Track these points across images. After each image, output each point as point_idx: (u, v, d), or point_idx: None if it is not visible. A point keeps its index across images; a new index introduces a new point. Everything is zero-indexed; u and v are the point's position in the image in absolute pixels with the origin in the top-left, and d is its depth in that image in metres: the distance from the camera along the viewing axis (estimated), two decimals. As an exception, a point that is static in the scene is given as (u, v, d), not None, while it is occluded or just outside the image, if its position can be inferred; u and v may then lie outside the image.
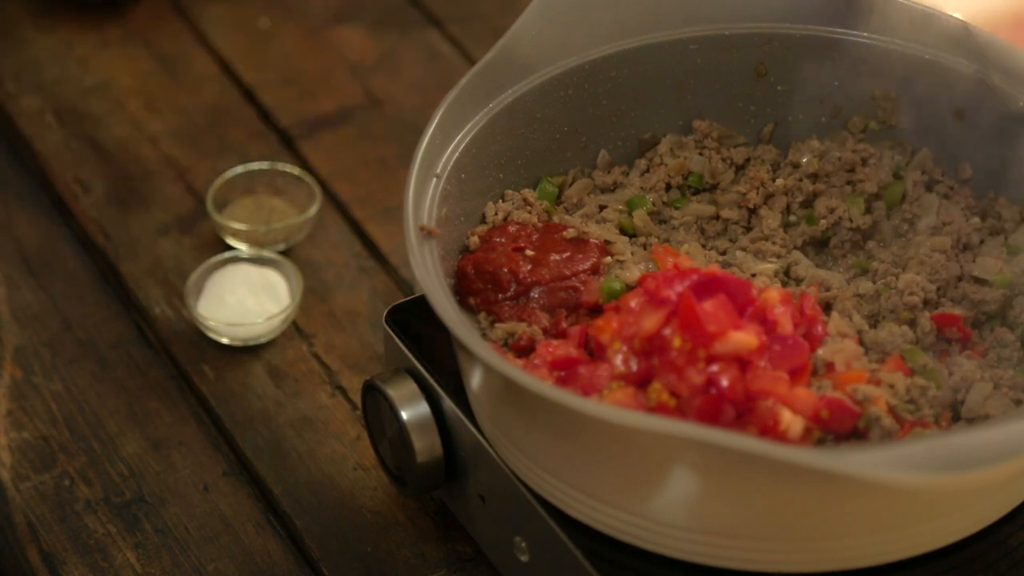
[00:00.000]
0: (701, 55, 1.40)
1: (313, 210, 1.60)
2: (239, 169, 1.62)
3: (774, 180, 1.39)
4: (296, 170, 1.63)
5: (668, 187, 1.40)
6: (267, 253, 1.55)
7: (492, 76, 1.33)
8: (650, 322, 1.20)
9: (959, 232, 1.34)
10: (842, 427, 1.19)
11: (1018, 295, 1.30)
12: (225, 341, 1.51)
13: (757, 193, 1.38)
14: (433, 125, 1.28)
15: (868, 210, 1.37)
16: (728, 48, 1.40)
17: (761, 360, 1.19)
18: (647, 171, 1.41)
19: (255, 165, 1.63)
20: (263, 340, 1.52)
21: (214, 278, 1.53)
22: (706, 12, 1.39)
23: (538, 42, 1.35)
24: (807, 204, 1.38)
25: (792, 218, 1.37)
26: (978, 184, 1.37)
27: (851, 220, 1.36)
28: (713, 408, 1.17)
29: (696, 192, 1.40)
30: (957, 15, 1.37)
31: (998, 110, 1.33)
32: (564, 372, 1.22)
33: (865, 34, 1.38)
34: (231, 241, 1.60)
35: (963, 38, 1.35)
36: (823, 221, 1.36)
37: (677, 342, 1.18)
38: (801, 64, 1.40)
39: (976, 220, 1.35)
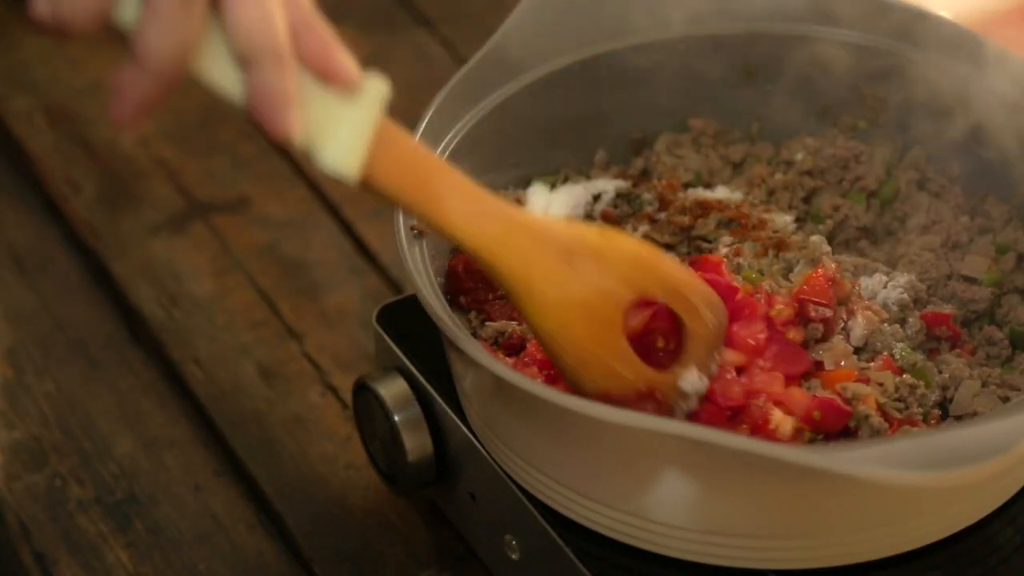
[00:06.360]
0: (690, 55, 1.40)
1: None
2: None
3: (774, 176, 1.38)
4: None
5: (666, 187, 1.40)
6: None
7: (482, 75, 1.33)
8: (636, 320, 1.20)
9: (949, 231, 1.34)
10: (834, 427, 1.19)
11: (1006, 293, 1.30)
12: None
13: (760, 190, 1.38)
14: (423, 125, 1.28)
15: (868, 208, 1.37)
16: (717, 48, 1.40)
17: (761, 360, 1.19)
18: (645, 170, 1.41)
19: None
20: None
21: None
22: (695, 11, 1.39)
23: (529, 41, 1.35)
24: (806, 201, 1.38)
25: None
26: (968, 183, 1.38)
27: (856, 218, 1.36)
28: (704, 406, 1.17)
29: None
30: (946, 14, 1.37)
31: (988, 109, 1.33)
32: (553, 371, 1.22)
33: (854, 33, 1.38)
34: None
35: (954, 37, 1.35)
36: (829, 220, 1.35)
37: (660, 343, 1.19)
38: (790, 63, 1.40)
39: (965, 219, 1.35)
